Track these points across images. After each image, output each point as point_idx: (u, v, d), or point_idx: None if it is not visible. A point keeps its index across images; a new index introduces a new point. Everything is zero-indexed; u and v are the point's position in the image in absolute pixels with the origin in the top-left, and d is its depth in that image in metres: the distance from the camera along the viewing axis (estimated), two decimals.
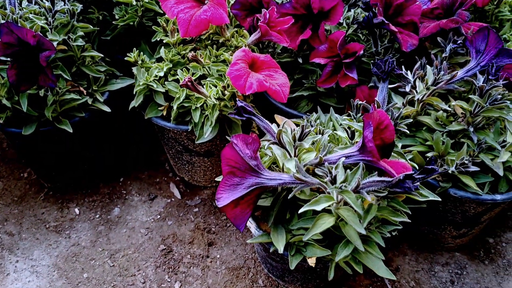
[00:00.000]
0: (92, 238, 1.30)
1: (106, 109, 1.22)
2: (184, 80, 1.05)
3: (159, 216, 1.37)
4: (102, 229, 1.33)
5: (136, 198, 1.43)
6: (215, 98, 1.04)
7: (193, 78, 1.13)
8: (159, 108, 1.20)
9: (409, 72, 1.04)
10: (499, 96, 0.96)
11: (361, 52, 1.10)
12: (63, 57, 1.15)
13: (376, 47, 1.20)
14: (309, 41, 1.18)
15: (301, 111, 1.25)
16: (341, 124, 1.02)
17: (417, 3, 1.18)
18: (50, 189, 1.43)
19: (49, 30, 1.12)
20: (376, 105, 0.91)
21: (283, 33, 1.11)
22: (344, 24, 1.24)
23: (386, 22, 1.09)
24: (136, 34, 1.32)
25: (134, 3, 1.22)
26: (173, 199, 1.43)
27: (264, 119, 0.89)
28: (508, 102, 0.98)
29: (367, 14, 1.17)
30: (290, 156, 0.87)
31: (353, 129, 0.94)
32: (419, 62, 1.05)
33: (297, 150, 0.86)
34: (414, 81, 1.03)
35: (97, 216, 1.37)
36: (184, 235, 1.32)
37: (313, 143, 0.88)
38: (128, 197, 1.43)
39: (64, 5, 1.15)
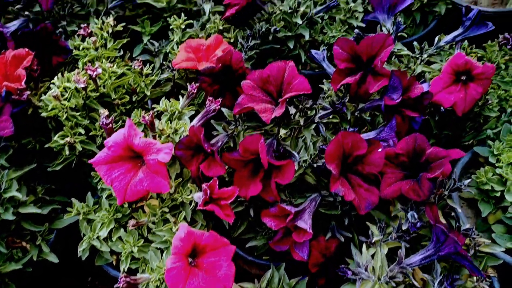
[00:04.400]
0: None
1: (54, 259, 1.17)
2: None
3: None
4: None
5: None
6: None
7: (138, 244, 1.07)
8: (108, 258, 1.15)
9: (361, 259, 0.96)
10: None
11: None
12: None
13: None
14: (261, 194, 1.09)
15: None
16: None
17: (379, 150, 1.05)
18: None
19: None
20: None
21: (227, 207, 1.01)
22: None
23: (341, 193, 0.99)
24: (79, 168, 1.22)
25: (67, 153, 1.11)
26: None
27: None
28: None
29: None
30: None
31: None
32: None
33: None
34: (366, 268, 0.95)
35: None
36: None
37: None
38: None
39: None
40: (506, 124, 1.26)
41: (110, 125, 1.08)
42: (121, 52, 1.41)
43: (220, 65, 1.22)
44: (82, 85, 1.11)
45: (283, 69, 1.13)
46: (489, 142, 1.24)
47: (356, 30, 1.30)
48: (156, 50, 1.43)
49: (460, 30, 1.27)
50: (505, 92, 1.27)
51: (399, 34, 1.30)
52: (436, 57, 1.29)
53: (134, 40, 1.52)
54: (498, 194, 1.16)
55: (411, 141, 1.05)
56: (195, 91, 1.18)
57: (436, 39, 1.31)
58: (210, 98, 1.11)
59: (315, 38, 1.46)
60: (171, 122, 1.23)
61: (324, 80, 1.36)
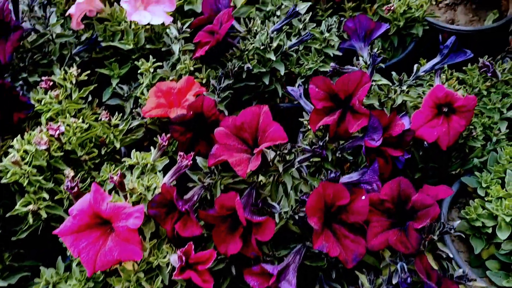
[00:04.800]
0: None
1: None
2: None
3: None
4: None
5: None
6: None
7: None
8: None
9: None
10: None
11: None
12: None
13: None
14: (241, 251, 1.02)
15: None
16: None
17: (363, 198, 1.00)
18: None
19: None
20: None
21: (205, 272, 0.94)
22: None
23: (325, 250, 0.93)
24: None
25: (31, 221, 1.04)
26: None
27: None
28: None
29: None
30: None
31: None
32: None
33: None
34: None
35: None
36: None
37: None
38: None
39: None
40: (492, 153, 1.21)
41: (76, 189, 1.01)
42: (90, 98, 1.35)
43: (191, 112, 1.15)
44: (44, 147, 1.04)
45: (257, 115, 1.08)
46: (477, 173, 1.19)
47: (332, 64, 1.26)
48: (126, 94, 1.36)
49: (438, 58, 1.23)
50: (489, 119, 1.22)
51: (377, 64, 1.25)
52: (416, 88, 1.25)
53: (103, 82, 1.45)
54: (490, 230, 1.11)
55: (395, 187, 1.00)
56: (166, 143, 1.12)
57: (415, 68, 1.26)
58: (181, 154, 1.04)
59: (292, 70, 1.41)
60: (143, 174, 1.17)
61: (304, 113, 1.31)
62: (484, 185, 1.16)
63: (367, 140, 1.08)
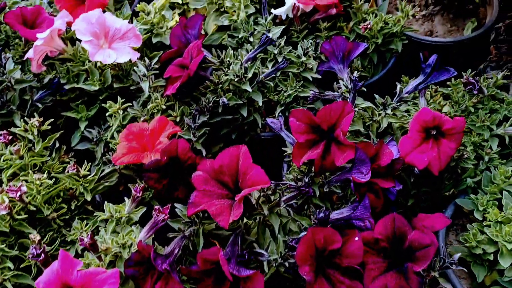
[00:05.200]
0: None
1: None
2: None
3: None
4: None
5: None
6: None
7: None
8: None
9: None
10: None
11: None
12: None
13: None
14: None
15: None
16: None
17: (356, 239, 0.93)
18: None
19: None
20: None
21: None
22: None
23: None
24: None
25: None
26: None
27: None
28: None
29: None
30: None
31: None
32: None
33: None
34: None
35: None
36: None
37: None
38: None
39: None
40: (486, 172, 1.16)
41: (43, 256, 0.92)
42: (57, 144, 1.25)
43: (166, 157, 1.07)
44: (4, 212, 0.95)
45: (236, 156, 1.00)
46: (472, 196, 1.13)
47: (311, 92, 1.19)
48: (95, 138, 1.27)
49: (421, 78, 1.18)
50: (479, 137, 1.17)
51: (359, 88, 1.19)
52: (401, 110, 1.19)
53: (70, 126, 1.36)
54: (491, 257, 1.05)
55: (389, 225, 0.93)
56: (140, 193, 1.04)
57: (398, 89, 1.21)
58: (157, 208, 0.96)
59: (270, 98, 1.34)
60: (118, 225, 1.08)
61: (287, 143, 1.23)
62: (480, 208, 1.11)
63: (355, 175, 1.01)
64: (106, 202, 1.09)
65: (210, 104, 1.20)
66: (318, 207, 1.13)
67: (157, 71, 1.27)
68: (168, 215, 0.96)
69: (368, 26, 1.38)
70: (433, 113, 1.07)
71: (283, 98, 1.32)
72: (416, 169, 1.10)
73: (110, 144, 1.21)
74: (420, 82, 1.17)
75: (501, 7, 1.52)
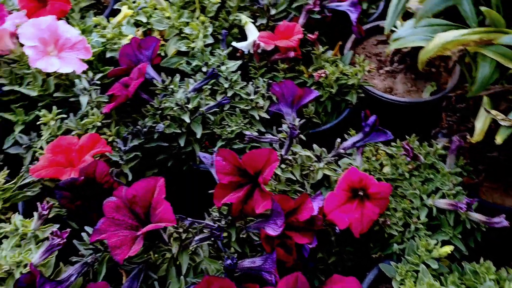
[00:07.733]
0: None
1: None
2: None
3: None
4: None
5: None
6: None
7: None
8: None
9: None
10: None
11: None
12: None
13: None
14: None
15: None
16: None
17: None
18: None
19: None
20: None
21: None
22: None
23: None
24: None
25: None
26: None
27: None
28: None
29: None
30: None
31: None
32: None
33: None
34: None
35: None
36: None
37: None
38: None
39: None
40: (411, 241, 1.13)
41: None
42: None
43: (83, 177, 1.04)
44: None
45: (153, 187, 0.97)
46: (392, 263, 1.11)
47: (247, 135, 1.17)
48: (26, 145, 1.23)
49: (360, 136, 1.16)
50: (410, 204, 1.15)
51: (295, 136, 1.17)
52: (335, 165, 1.17)
53: (9, 127, 1.32)
54: None
55: (291, 284, 0.90)
56: (47, 212, 0.99)
57: (336, 144, 1.19)
58: (54, 231, 0.92)
59: (214, 131, 1.32)
60: (24, 240, 1.03)
61: None
62: (398, 278, 1.08)
63: (271, 225, 0.98)
64: (16, 214, 1.05)
65: (145, 129, 1.17)
66: (237, 252, 1.11)
67: (99, 87, 1.24)
68: (65, 240, 0.92)
69: (323, 75, 1.38)
70: (360, 173, 1.05)
71: (226, 133, 1.30)
72: (337, 228, 1.07)
73: (36, 154, 1.18)
74: (358, 140, 1.16)
75: (461, 76, 1.53)
